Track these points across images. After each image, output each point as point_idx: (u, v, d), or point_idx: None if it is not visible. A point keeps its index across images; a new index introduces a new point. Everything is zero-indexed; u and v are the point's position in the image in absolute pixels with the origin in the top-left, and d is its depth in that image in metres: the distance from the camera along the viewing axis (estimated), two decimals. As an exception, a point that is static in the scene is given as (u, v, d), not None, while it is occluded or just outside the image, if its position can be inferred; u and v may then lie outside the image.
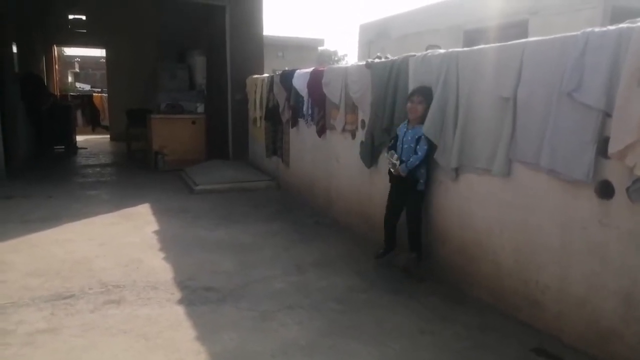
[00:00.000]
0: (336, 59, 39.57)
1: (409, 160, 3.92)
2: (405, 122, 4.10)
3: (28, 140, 10.29)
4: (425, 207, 4.09)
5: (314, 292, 3.72)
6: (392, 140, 4.16)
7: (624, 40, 2.53)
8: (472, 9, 12.74)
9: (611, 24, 2.74)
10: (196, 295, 3.63)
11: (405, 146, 3.99)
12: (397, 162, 3.96)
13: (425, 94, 3.93)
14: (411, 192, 4.02)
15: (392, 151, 4.04)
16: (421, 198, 4.04)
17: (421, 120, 3.92)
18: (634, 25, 2.51)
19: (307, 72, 6.24)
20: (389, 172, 4.17)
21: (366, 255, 4.51)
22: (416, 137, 3.92)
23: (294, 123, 6.88)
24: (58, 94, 14.56)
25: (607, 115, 2.63)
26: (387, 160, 4.11)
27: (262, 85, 8.05)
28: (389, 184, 4.25)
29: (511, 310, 3.33)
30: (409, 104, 4.00)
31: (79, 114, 15.76)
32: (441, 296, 3.67)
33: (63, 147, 11.76)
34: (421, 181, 3.97)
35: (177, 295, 3.63)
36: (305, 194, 6.69)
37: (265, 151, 8.07)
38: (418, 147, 3.90)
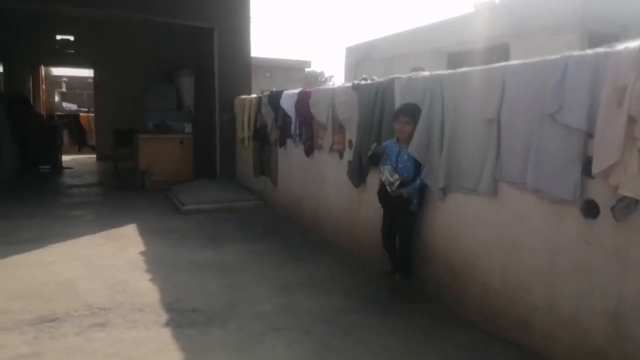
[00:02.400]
0: (323, 80, 39.92)
1: (404, 179, 3.88)
2: (394, 140, 4.08)
3: (13, 160, 10.16)
4: (415, 227, 4.10)
5: (302, 314, 3.69)
6: (383, 155, 4.07)
7: (601, 63, 2.61)
8: (456, 33, 13.02)
9: (589, 48, 2.83)
10: (183, 317, 3.59)
11: (401, 166, 3.95)
12: (397, 182, 3.87)
13: (410, 113, 3.93)
14: (404, 212, 3.98)
15: (389, 168, 3.94)
16: (413, 218, 4.02)
17: (410, 139, 3.93)
18: (610, 50, 2.59)
19: (294, 93, 6.30)
20: (380, 192, 4.13)
21: (354, 276, 4.50)
22: (413, 157, 3.90)
23: (282, 143, 6.91)
24: (44, 113, 14.45)
25: (590, 135, 2.69)
26: (382, 176, 3.95)
27: (250, 105, 8.09)
28: (382, 208, 4.21)
29: (500, 330, 3.33)
30: (396, 125, 4.00)
31: (65, 133, 15.60)
32: (429, 316, 3.67)
33: (48, 167, 11.64)
34: (414, 201, 3.94)
35: (164, 317, 3.58)
36: (293, 214, 6.68)
37: (253, 171, 8.07)
38: (417, 167, 3.88)
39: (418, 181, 3.89)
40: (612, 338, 2.65)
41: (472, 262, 3.58)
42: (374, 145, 4.22)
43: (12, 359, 2.94)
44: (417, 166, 3.91)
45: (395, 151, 4.02)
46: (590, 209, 2.75)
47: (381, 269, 4.42)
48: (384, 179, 3.95)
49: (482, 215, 3.48)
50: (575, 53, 2.79)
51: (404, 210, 3.97)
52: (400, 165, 3.96)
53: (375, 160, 4.16)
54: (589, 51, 2.72)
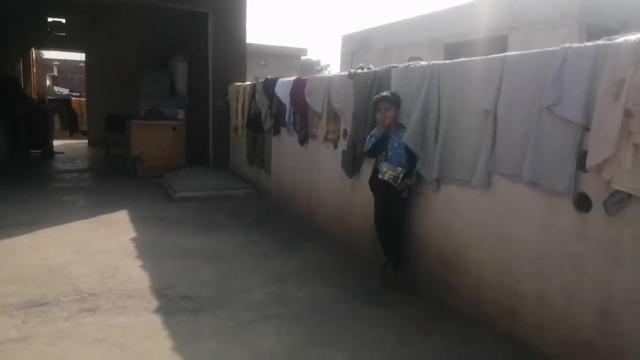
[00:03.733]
0: (319, 68, 39.72)
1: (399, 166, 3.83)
2: (378, 129, 3.99)
3: (3, 145, 10.05)
4: (408, 218, 4.10)
5: (293, 303, 3.69)
6: (381, 152, 4.01)
7: (600, 56, 2.59)
8: (454, 23, 12.95)
9: (588, 41, 2.81)
10: (173, 304, 3.57)
11: (391, 154, 3.93)
12: (401, 175, 3.78)
13: (389, 99, 3.91)
14: (395, 200, 3.96)
15: (387, 164, 3.86)
16: (404, 206, 4.02)
17: (395, 123, 3.92)
18: (610, 42, 2.57)
19: (289, 81, 6.24)
20: (372, 181, 4.11)
21: (346, 265, 4.50)
22: (404, 143, 3.87)
23: (276, 131, 6.87)
24: (35, 97, 14.28)
25: (586, 129, 2.68)
26: (383, 175, 3.82)
27: (244, 93, 8.03)
28: (374, 197, 4.21)
29: (491, 322, 3.35)
30: (378, 114, 3.96)
31: (56, 118, 15.45)
32: (421, 307, 3.68)
33: (40, 151, 11.53)
34: (406, 188, 3.93)
35: (154, 303, 3.56)
36: (287, 203, 6.66)
37: (246, 159, 8.03)
38: (411, 154, 3.85)
39: (416, 167, 3.85)
40: (601, 332, 2.66)
41: (465, 254, 3.58)
42: (369, 137, 4.10)
43: (1, 342, 2.92)
44: (408, 151, 3.88)
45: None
46: (583, 203, 2.75)
47: (375, 259, 4.42)
48: (386, 177, 3.81)
49: (475, 207, 3.48)
50: (574, 45, 2.78)
51: (396, 198, 3.95)
52: (390, 154, 3.94)
53: (379, 150, 4.02)
54: (589, 43, 2.70)
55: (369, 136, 4.12)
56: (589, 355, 2.72)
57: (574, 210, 2.80)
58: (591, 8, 10.14)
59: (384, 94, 4.00)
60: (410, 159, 3.89)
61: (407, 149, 3.88)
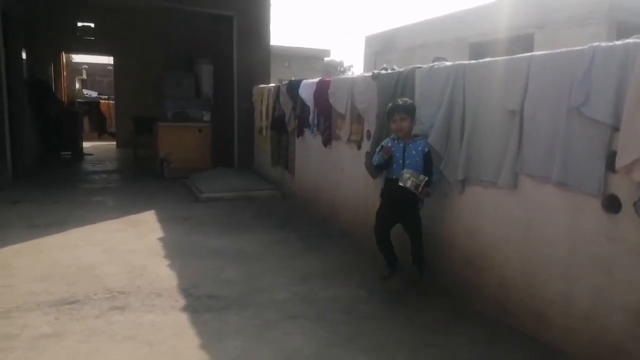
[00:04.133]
0: (342, 69, 39.74)
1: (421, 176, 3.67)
2: (393, 138, 3.92)
3: (35, 146, 10.35)
4: (431, 219, 4.08)
5: (318, 302, 3.71)
6: (388, 158, 3.86)
7: (630, 55, 2.54)
8: (478, 23, 12.81)
9: (617, 39, 2.76)
10: (200, 302, 3.63)
11: (409, 161, 3.79)
12: (422, 183, 3.60)
13: (404, 109, 3.80)
14: (413, 211, 3.90)
15: (410, 170, 3.66)
16: (419, 214, 3.94)
17: (410, 134, 3.84)
18: (640, 40, 2.52)
19: (313, 82, 6.28)
20: (387, 193, 3.94)
21: (370, 266, 4.50)
22: (422, 152, 3.81)
23: (300, 133, 6.91)
24: (65, 100, 14.66)
25: (616, 129, 2.63)
26: (406, 182, 3.60)
27: (268, 94, 8.10)
28: (382, 207, 4.06)
29: (517, 324, 3.31)
30: (393, 124, 3.85)
31: (85, 120, 15.85)
32: (446, 309, 3.66)
33: (70, 153, 11.84)
34: (423, 199, 3.85)
35: (181, 302, 3.63)
36: (310, 204, 6.70)
37: (270, 160, 8.10)
38: (429, 164, 3.79)
39: (434, 178, 3.80)
40: (632, 334, 2.61)
41: (490, 255, 3.55)
42: (379, 148, 4.00)
43: (35, 338, 3.02)
44: (425, 159, 3.81)
45: (400, 148, 3.85)
46: (612, 204, 2.70)
47: (400, 261, 4.41)
48: (408, 184, 3.60)
49: (500, 208, 3.45)
50: (603, 44, 2.73)
51: (413, 210, 3.88)
52: (408, 161, 3.79)
53: (386, 166, 3.91)
54: (618, 42, 2.65)
55: (379, 147, 4.02)
56: (619, 358, 2.67)
57: (602, 211, 2.75)
58: (621, 5, 9.91)
59: (400, 102, 3.87)
60: (427, 169, 3.78)
61: (425, 158, 3.79)
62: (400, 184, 3.63)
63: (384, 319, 3.48)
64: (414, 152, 3.82)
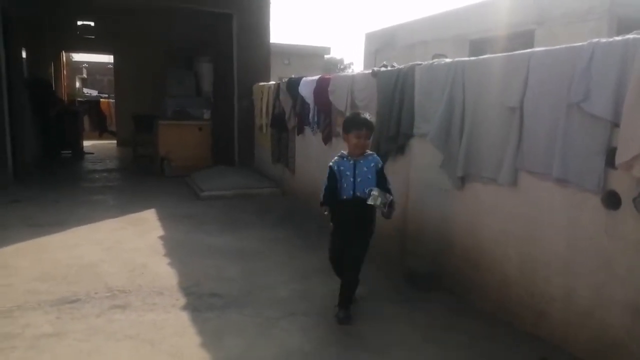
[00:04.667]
0: (342, 67, 39.69)
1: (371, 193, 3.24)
2: (342, 157, 3.48)
3: (35, 145, 10.35)
4: (431, 216, 4.09)
5: (318, 300, 3.72)
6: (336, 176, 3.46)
7: (630, 50, 2.54)
8: (478, 19, 12.78)
9: (617, 34, 2.76)
10: (201, 301, 3.64)
11: (360, 179, 3.37)
12: (389, 202, 3.26)
13: (370, 127, 3.44)
14: (365, 231, 3.50)
15: (378, 189, 3.25)
16: (368, 241, 3.54)
17: (364, 151, 3.45)
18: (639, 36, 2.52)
19: (313, 80, 6.27)
20: (341, 212, 3.51)
21: (371, 263, 4.49)
22: (374, 168, 3.39)
23: (300, 130, 6.90)
24: (66, 99, 14.67)
25: (615, 125, 2.63)
26: (374, 201, 3.21)
27: (268, 92, 8.09)
28: (335, 233, 3.63)
29: (517, 321, 3.31)
30: (355, 139, 3.39)
31: (86, 119, 15.86)
32: (446, 306, 3.66)
33: (70, 152, 11.85)
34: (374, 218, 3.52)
35: (182, 301, 3.64)
36: (311, 201, 6.68)
37: (270, 158, 8.10)
38: (383, 180, 3.38)
39: (390, 196, 3.32)
40: (631, 331, 2.61)
41: (490, 252, 3.55)
42: (328, 172, 3.54)
43: (36, 337, 3.02)
44: (379, 175, 3.40)
45: (350, 165, 3.41)
46: (612, 200, 2.70)
47: (399, 258, 4.41)
48: (378, 202, 3.22)
49: (500, 204, 3.44)
50: (602, 40, 2.72)
51: (366, 230, 3.50)
52: (359, 179, 3.37)
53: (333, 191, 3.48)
54: (618, 37, 2.65)
55: (328, 169, 3.54)
56: (618, 354, 2.67)
57: (602, 207, 2.75)
58: (621, 1, 9.87)
59: (364, 117, 3.44)
60: (382, 186, 3.33)
61: (379, 175, 3.39)
62: (370, 202, 3.23)
63: (385, 316, 3.49)
64: (365, 168, 3.40)
